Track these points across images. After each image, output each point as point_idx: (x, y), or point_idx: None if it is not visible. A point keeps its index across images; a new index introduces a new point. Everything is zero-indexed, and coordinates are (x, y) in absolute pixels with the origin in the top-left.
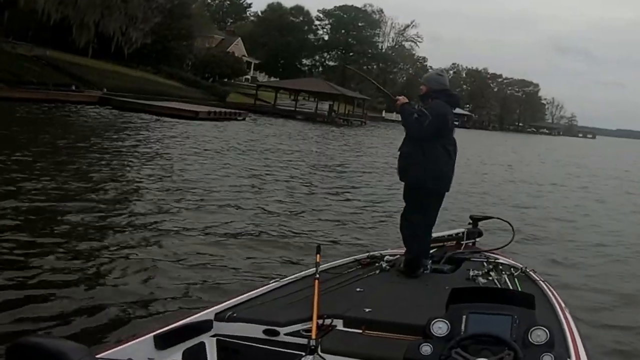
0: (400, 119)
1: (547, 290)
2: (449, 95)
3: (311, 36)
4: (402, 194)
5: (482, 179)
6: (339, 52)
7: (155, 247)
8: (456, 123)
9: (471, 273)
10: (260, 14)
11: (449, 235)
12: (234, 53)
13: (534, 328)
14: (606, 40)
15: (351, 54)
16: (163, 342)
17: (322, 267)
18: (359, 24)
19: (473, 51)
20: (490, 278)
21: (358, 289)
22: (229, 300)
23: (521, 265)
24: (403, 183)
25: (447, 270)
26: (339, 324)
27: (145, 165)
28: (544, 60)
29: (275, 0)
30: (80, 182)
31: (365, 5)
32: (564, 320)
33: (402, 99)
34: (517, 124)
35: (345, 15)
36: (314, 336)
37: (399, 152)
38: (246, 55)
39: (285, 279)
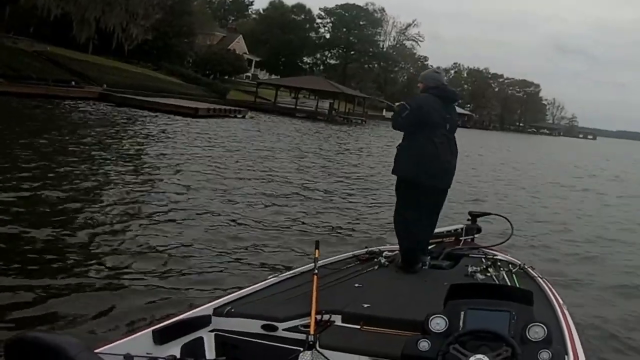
0: None
1: (545, 287)
2: (441, 90)
3: (312, 34)
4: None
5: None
6: (340, 51)
7: (151, 240)
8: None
9: (470, 269)
10: (261, 11)
11: (447, 232)
12: (235, 50)
13: (531, 324)
14: (608, 41)
15: (352, 52)
16: (161, 337)
17: (321, 262)
18: (361, 23)
19: (474, 51)
20: (489, 274)
21: (357, 285)
22: (227, 295)
23: (519, 262)
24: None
25: (446, 267)
26: (337, 320)
27: (140, 161)
28: (545, 60)
29: None
30: (73, 176)
31: (366, 4)
32: (561, 317)
33: (400, 103)
34: (517, 124)
35: (346, 14)
36: (312, 332)
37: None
38: (247, 52)
39: (283, 275)
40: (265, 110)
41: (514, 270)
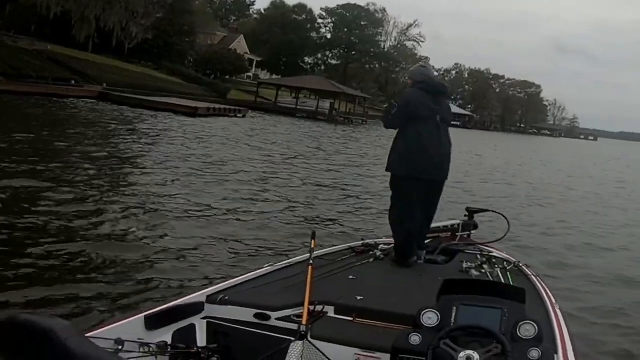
0: None
1: (539, 286)
2: (427, 84)
3: (314, 34)
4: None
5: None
6: (342, 51)
7: (148, 230)
8: (457, 123)
9: (464, 265)
10: (263, 11)
11: (444, 227)
12: (236, 50)
13: (522, 322)
14: (608, 42)
15: (354, 52)
16: (153, 322)
17: (317, 253)
18: (362, 23)
19: (475, 51)
20: (483, 271)
21: (351, 277)
22: (221, 283)
23: (514, 260)
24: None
25: (441, 262)
26: (330, 311)
27: (138, 158)
28: (546, 61)
29: None
30: (65, 172)
31: (368, 4)
32: (553, 316)
33: (390, 103)
34: (518, 125)
35: (348, 14)
36: (304, 322)
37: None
38: (248, 52)
39: (278, 264)
40: (266, 110)
41: (508, 268)
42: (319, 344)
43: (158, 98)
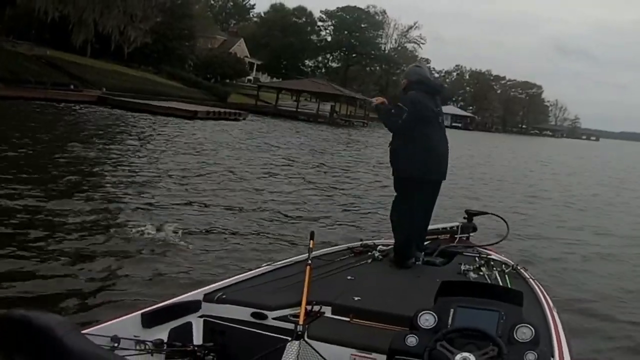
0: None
1: (537, 289)
2: (426, 85)
3: (314, 37)
4: (393, 185)
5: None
6: (342, 54)
7: (148, 228)
8: (459, 125)
9: (463, 267)
10: (263, 14)
11: (443, 229)
12: (237, 54)
13: (519, 325)
14: (609, 42)
15: (354, 55)
16: (150, 320)
17: (315, 253)
18: (362, 25)
19: (476, 53)
20: (481, 273)
21: (349, 277)
22: (218, 281)
23: (513, 263)
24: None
25: (439, 263)
26: (327, 311)
27: (137, 159)
28: (547, 62)
29: (278, 1)
30: (68, 174)
31: (368, 7)
32: (550, 319)
33: (378, 99)
34: (520, 126)
35: (348, 17)
36: (301, 322)
37: (389, 148)
38: (249, 56)
39: (277, 263)
40: (266, 113)
41: (506, 271)
42: (315, 344)
43: (157, 102)
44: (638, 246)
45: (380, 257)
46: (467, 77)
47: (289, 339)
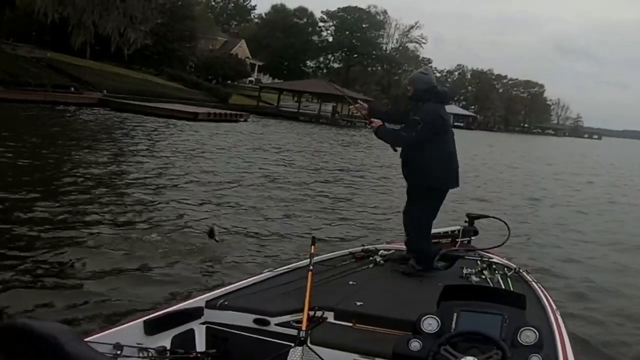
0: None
1: (539, 292)
2: (437, 94)
3: (315, 38)
4: (406, 190)
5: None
6: (343, 54)
7: (148, 233)
8: (461, 124)
9: (465, 271)
10: (264, 15)
11: (444, 233)
12: (238, 55)
13: (523, 328)
14: (610, 41)
15: (355, 55)
16: (152, 327)
17: (316, 259)
18: (363, 26)
19: (478, 52)
20: (484, 277)
21: (351, 282)
22: (220, 288)
23: (515, 266)
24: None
25: (441, 267)
26: (330, 317)
27: (140, 159)
28: (548, 61)
29: (279, 2)
30: (66, 178)
31: (369, 7)
32: (554, 322)
33: (376, 122)
34: (522, 125)
35: (349, 17)
36: (304, 327)
37: (400, 159)
38: (250, 57)
39: (278, 269)
40: (267, 114)
41: (509, 274)
42: (318, 349)
43: (158, 104)
44: None
45: (382, 262)
46: (469, 76)
47: (292, 345)
